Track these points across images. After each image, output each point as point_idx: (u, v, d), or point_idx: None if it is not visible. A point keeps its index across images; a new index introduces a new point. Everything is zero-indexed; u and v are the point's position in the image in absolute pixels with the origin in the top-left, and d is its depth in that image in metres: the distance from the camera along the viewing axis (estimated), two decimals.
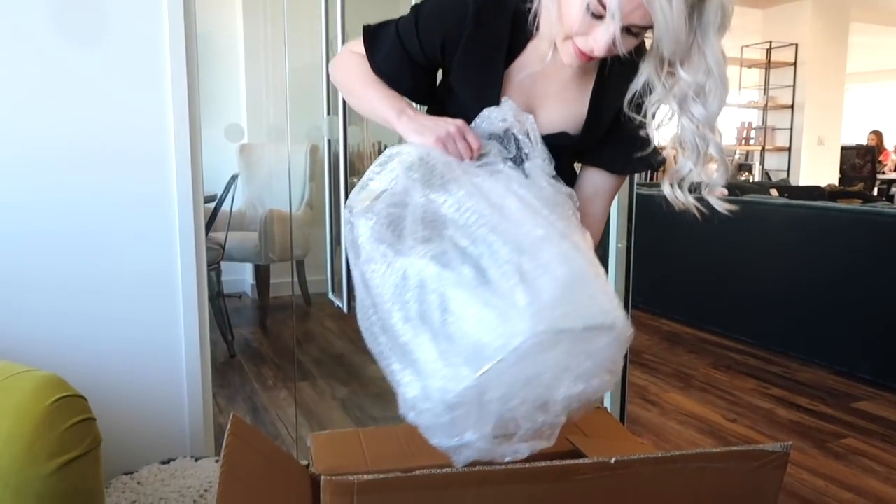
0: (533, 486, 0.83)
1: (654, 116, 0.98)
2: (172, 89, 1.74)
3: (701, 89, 0.91)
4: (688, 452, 0.85)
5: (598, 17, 0.87)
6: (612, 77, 1.01)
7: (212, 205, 2.93)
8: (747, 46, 7.66)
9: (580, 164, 1.14)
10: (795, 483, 1.99)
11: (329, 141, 2.17)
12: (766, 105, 7.49)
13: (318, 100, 2.18)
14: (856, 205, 4.16)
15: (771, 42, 7.37)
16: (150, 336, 1.81)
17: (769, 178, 7.16)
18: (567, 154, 1.10)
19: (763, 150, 7.52)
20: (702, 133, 0.94)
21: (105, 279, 1.74)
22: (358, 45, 1.09)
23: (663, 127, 0.99)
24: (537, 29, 0.99)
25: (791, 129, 7.36)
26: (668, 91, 0.94)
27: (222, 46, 3.89)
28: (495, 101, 1.02)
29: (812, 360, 3.08)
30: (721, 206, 1.02)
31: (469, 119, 1.02)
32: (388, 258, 0.89)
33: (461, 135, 0.95)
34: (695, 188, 1.02)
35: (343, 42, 2.30)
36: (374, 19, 1.17)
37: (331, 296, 2.04)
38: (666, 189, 1.00)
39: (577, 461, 0.83)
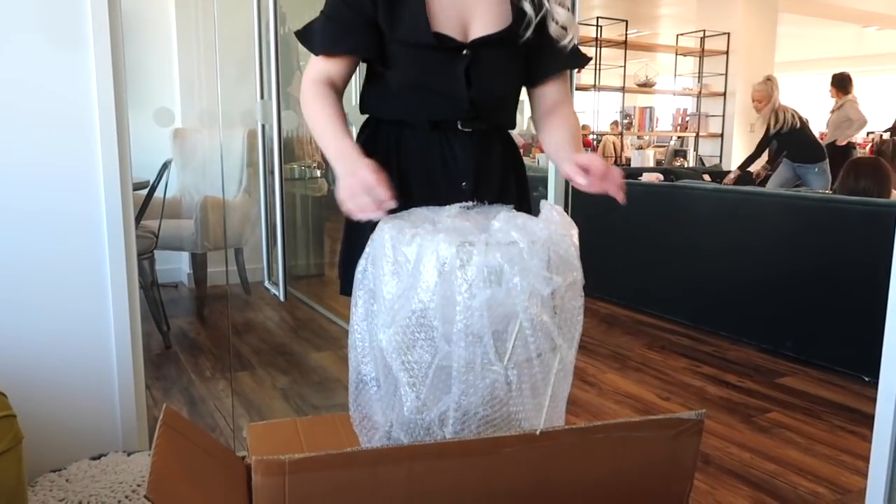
0: (462, 459, 0.85)
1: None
2: (96, 71, 1.67)
3: None
4: (610, 423, 0.88)
5: None
6: None
7: (144, 192, 2.84)
8: (682, 35, 7.86)
9: (531, 90, 1.27)
10: (723, 456, 2.08)
11: (263, 126, 2.12)
12: (699, 92, 7.71)
13: (252, 83, 2.13)
14: (781, 190, 4.34)
15: (704, 31, 7.57)
16: (77, 327, 1.75)
17: (703, 163, 7.38)
18: (507, 54, 1.19)
19: (697, 136, 7.75)
20: None
21: (27, 268, 1.67)
22: (310, 66, 1.16)
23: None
24: None
25: (723, 115, 7.60)
26: None
27: (154, 27, 3.75)
28: (427, 33, 1.10)
29: (741, 338, 3.21)
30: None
31: (410, 68, 1.13)
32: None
33: (367, 190, 0.98)
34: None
35: (275, 23, 2.24)
36: (311, 14, 1.18)
37: (266, 284, 2.01)
38: (559, 13, 1.18)
39: (504, 434, 0.85)
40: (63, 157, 1.68)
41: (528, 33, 1.16)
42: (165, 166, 2.92)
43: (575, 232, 1.04)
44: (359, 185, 0.99)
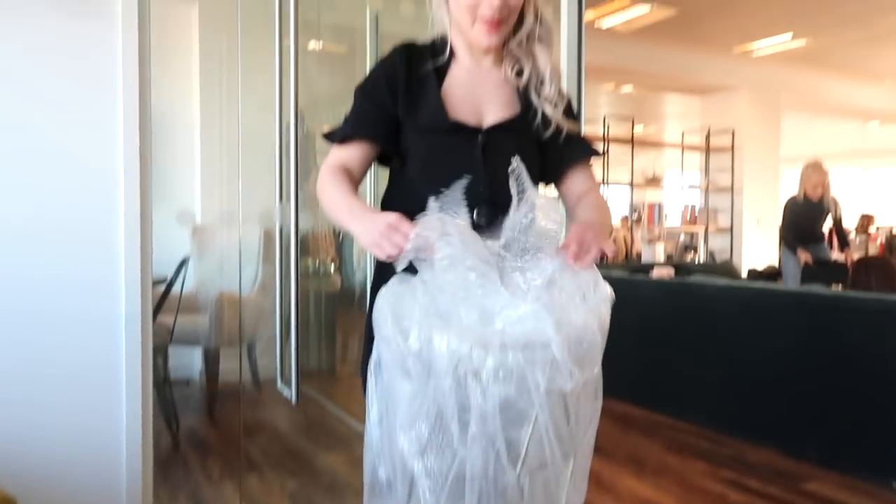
0: None
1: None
2: (124, 172, 1.75)
3: (549, 35, 1.28)
4: None
5: None
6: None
7: (161, 287, 2.88)
8: (688, 131, 8.07)
9: (558, 187, 1.36)
10: None
11: (281, 228, 2.18)
12: (707, 187, 7.83)
13: (271, 185, 2.21)
14: (793, 287, 4.33)
15: (709, 128, 7.77)
16: (89, 427, 1.75)
17: (713, 259, 7.40)
18: (518, 138, 1.28)
19: (707, 231, 7.81)
20: (548, 68, 1.27)
21: (43, 364, 1.69)
22: (328, 157, 1.25)
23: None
24: (452, 53, 1.26)
25: (732, 211, 7.67)
26: (538, 50, 1.28)
27: (178, 126, 3.91)
28: (446, 120, 1.22)
29: (761, 441, 3.12)
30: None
31: (430, 153, 1.22)
32: None
33: (393, 229, 1.06)
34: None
35: (296, 123, 2.33)
36: (328, 114, 1.27)
37: (279, 385, 2.00)
38: (547, 108, 1.27)
39: None
40: (86, 256, 1.73)
41: (538, 120, 1.27)
42: (183, 263, 2.97)
43: (607, 307, 1.04)
44: (383, 225, 1.06)
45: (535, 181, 1.34)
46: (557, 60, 1.32)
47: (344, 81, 3.81)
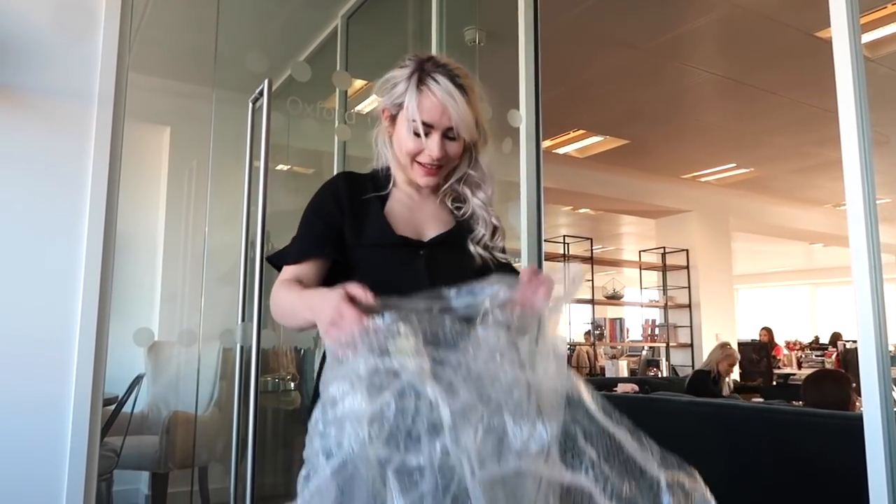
0: None
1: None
2: (84, 290, 1.73)
3: (482, 180, 1.37)
4: None
5: (419, 134, 1.25)
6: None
7: (111, 407, 2.77)
8: (644, 251, 8.35)
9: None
10: None
11: (242, 347, 2.17)
12: (666, 304, 8.01)
13: (234, 305, 2.21)
14: (755, 402, 4.37)
15: (664, 248, 8.06)
16: None
17: (676, 373, 7.45)
18: (457, 252, 1.34)
19: (668, 346, 7.90)
20: (485, 208, 1.37)
21: None
22: (280, 275, 1.28)
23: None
24: (393, 181, 1.35)
25: (691, 326, 7.82)
26: (470, 192, 1.37)
27: (141, 243, 3.91)
28: (392, 234, 1.29)
29: None
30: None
31: (376, 266, 1.26)
32: None
33: (346, 309, 1.03)
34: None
35: (262, 240, 2.37)
36: (287, 234, 1.29)
37: None
38: (470, 248, 1.34)
39: None
40: (36, 376, 1.67)
41: (475, 234, 1.35)
42: (137, 381, 2.88)
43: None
44: (338, 301, 1.03)
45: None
46: (493, 197, 1.39)
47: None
